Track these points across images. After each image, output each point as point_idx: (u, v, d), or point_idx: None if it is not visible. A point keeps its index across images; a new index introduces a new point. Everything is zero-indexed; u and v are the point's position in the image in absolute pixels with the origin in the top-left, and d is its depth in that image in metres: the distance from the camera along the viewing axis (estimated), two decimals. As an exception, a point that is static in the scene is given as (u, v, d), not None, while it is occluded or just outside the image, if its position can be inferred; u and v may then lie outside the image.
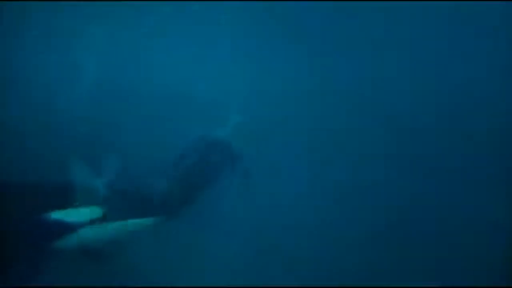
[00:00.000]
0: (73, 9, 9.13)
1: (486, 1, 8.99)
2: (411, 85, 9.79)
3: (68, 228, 4.14)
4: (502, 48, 9.42)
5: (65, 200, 4.12)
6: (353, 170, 8.36)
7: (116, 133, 7.15)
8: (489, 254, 6.63)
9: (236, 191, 6.54)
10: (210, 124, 6.69)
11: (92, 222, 4.19)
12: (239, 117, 6.69)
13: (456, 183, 8.21)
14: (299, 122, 9.02)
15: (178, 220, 6.07)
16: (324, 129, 9.16)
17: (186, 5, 9.72)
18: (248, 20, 10.02)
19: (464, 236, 7.00)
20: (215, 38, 10.27)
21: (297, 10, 9.85)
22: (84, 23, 9.40)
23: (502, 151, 8.64)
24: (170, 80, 9.10)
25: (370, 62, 9.78)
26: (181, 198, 5.69)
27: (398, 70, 9.79)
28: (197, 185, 5.93)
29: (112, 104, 8.22)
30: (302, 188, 7.94)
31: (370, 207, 7.64)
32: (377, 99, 9.51)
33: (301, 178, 8.16)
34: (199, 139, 6.25)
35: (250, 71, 9.70)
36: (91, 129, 7.26)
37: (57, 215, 4.12)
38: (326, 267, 6.22)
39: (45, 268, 4.19)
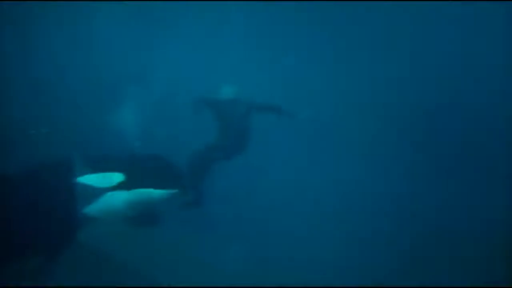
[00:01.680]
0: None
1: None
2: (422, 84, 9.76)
3: (93, 193, 4.22)
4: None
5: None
6: (354, 168, 8.38)
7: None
8: (489, 254, 6.62)
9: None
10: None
11: (115, 187, 4.27)
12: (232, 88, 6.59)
13: (456, 183, 8.22)
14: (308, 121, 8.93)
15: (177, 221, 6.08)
16: (336, 129, 9.14)
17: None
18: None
19: (464, 235, 7.00)
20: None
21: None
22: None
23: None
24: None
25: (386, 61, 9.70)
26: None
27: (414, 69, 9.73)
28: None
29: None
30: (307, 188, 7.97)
31: (370, 206, 7.64)
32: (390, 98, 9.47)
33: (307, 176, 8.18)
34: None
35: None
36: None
37: (81, 180, 4.21)
38: (328, 267, 6.21)
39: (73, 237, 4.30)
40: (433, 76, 9.87)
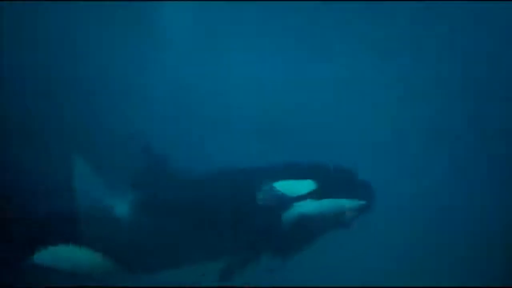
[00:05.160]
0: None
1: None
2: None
3: (286, 201, 4.12)
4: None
5: None
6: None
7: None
8: (489, 254, 6.63)
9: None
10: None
11: (307, 196, 4.15)
12: None
13: (457, 182, 8.18)
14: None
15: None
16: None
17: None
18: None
19: (464, 235, 7.00)
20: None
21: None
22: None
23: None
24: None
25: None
26: None
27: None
28: None
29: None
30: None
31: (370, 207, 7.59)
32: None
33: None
34: None
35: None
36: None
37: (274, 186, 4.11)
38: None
39: None
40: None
